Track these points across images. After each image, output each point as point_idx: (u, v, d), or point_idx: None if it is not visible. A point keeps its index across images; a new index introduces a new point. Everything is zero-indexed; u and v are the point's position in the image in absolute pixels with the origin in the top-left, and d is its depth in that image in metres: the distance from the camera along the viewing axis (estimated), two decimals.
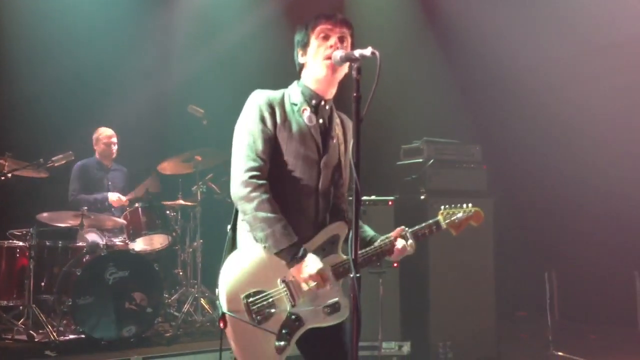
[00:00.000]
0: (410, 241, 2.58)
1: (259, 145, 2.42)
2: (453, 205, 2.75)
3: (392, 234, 2.60)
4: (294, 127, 2.48)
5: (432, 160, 5.17)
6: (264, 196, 2.37)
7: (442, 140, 5.36)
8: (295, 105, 2.53)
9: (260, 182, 2.39)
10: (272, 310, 2.36)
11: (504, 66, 6.51)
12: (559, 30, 6.24)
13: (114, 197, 5.85)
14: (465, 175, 5.26)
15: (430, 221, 2.68)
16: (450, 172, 5.24)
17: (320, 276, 2.33)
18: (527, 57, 6.45)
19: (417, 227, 2.64)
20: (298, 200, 2.47)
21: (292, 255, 2.35)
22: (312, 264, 2.34)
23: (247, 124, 2.45)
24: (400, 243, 2.57)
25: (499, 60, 6.52)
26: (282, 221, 2.37)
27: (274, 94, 2.53)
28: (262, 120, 2.44)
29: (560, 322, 6.27)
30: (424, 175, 5.14)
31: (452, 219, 2.70)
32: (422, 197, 5.06)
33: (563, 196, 6.36)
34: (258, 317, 2.35)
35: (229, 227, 2.54)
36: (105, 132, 6.06)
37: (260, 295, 2.37)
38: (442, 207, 2.73)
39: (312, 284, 2.33)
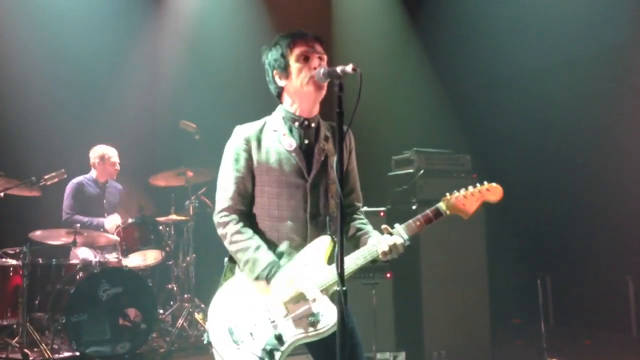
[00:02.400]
0: (401, 239, 2.44)
1: (231, 188, 2.54)
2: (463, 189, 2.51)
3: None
4: (274, 156, 2.53)
5: (422, 171, 5.20)
6: (232, 229, 2.51)
7: (432, 151, 5.39)
8: (276, 132, 2.57)
9: (228, 218, 2.53)
10: (254, 332, 2.44)
11: (493, 75, 6.57)
12: (548, 37, 6.29)
13: (109, 224, 5.75)
14: (455, 185, 5.12)
15: (428, 210, 2.50)
16: (440, 181, 5.26)
17: (291, 290, 2.39)
18: (516, 65, 6.50)
19: (411, 220, 2.48)
20: (288, 226, 2.52)
21: (265, 276, 2.44)
22: (278, 281, 2.41)
23: (223, 165, 2.59)
24: (384, 245, 2.44)
25: (488, 69, 6.57)
26: (252, 248, 2.47)
27: (253, 127, 2.60)
28: (237, 161, 2.55)
29: (555, 328, 6.28)
30: (415, 186, 5.17)
31: (456, 197, 2.49)
32: (414, 207, 5.09)
33: (555, 203, 6.39)
34: (240, 340, 2.44)
35: (226, 259, 2.62)
36: (111, 153, 6.02)
37: (243, 321, 2.46)
38: (447, 193, 2.54)
39: (287, 297, 2.40)
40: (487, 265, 5.20)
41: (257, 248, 2.47)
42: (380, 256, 2.45)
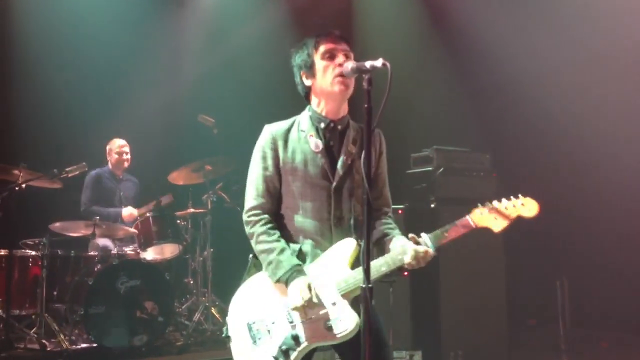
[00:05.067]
0: (428, 249, 2.37)
1: (260, 186, 2.55)
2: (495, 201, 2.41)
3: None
4: (299, 156, 2.52)
5: (441, 169, 5.17)
6: (260, 229, 2.51)
7: (451, 149, 5.36)
8: (303, 132, 2.56)
9: (257, 217, 2.53)
10: (272, 330, 2.43)
11: (514, 73, 6.49)
12: (570, 35, 6.21)
13: (126, 212, 5.85)
14: (475, 184, 5.25)
15: (457, 221, 2.42)
16: (460, 180, 5.23)
17: (302, 298, 2.35)
18: (537, 64, 6.43)
19: (438, 230, 2.41)
20: (312, 226, 2.50)
21: (286, 280, 2.42)
22: (295, 287, 2.38)
23: (252, 163, 2.59)
24: (409, 256, 2.37)
25: (509, 67, 6.50)
26: (276, 250, 2.46)
27: (281, 126, 2.59)
28: (264, 159, 2.55)
29: (571, 330, 6.23)
30: (434, 184, 5.14)
31: (489, 210, 2.40)
32: (432, 205, 5.06)
33: (574, 204, 6.32)
34: (258, 337, 2.44)
35: (250, 256, 2.61)
36: (117, 142, 6.10)
37: (262, 318, 2.46)
38: (479, 204, 2.42)
39: (298, 304, 2.36)
40: (504, 265, 5.16)
41: (282, 251, 2.46)
42: (406, 266, 2.39)
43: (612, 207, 6.03)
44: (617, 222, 6.02)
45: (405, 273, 4.97)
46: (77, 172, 5.24)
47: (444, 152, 5.28)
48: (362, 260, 2.11)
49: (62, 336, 4.93)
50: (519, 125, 6.58)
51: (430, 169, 5.24)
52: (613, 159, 6.02)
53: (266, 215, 2.54)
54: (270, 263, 2.46)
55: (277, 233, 2.51)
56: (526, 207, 2.41)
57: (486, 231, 2.44)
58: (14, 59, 6.33)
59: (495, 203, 2.43)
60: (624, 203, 5.95)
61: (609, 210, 6.05)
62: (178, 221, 5.97)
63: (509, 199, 2.43)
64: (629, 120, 5.94)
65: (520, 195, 2.43)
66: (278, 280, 2.44)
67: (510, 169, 5.88)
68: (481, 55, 6.70)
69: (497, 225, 2.41)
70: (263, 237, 2.50)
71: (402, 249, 2.40)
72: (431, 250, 2.38)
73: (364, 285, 2.09)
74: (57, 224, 5.30)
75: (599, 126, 6.06)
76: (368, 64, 2.21)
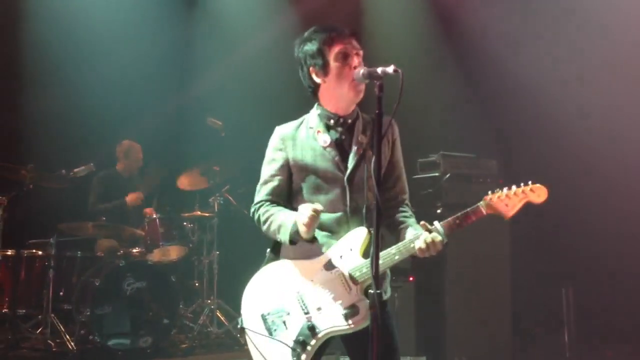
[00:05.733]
0: (439, 236, 2.38)
1: (268, 186, 2.60)
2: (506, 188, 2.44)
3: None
4: (310, 153, 2.54)
5: (448, 175, 5.17)
6: (264, 209, 2.57)
7: (458, 155, 5.36)
8: (311, 128, 2.58)
9: (260, 203, 2.59)
10: (287, 321, 2.44)
11: (522, 79, 6.48)
12: (580, 41, 6.20)
13: (129, 197, 5.90)
14: (481, 190, 5.13)
15: (469, 209, 2.43)
16: (466, 186, 5.24)
17: (311, 213, 2.34)
18: (546, 70, 6.41)
19: (450, 218, 2.42)
20: (329, 219, 2.50)
21: (296, 230, 2.41)
22: (302, 210, 2.38)
23: (264, 163, 2.64)
24: (421, 241, 2.37)
25: (517, 74, 6.49)
26: (278, 214, 2.51)
27: (290, 126, 2.62)
28: (273, 161, 2.59)
29: (577, 338, 6.20)
30: (440, 190, 5.14)
31: (498, 196, 2.41)
32: (439, 211, 5.06)
33: (582, 210, 6.29)
34: (273, 329, 2.44)
35: (268, 250, 2.64)
36: (136, 148, 6.17)
37: (277, 309, 2.47)
38: (489, 192, 2.46)
39: (307, 219, 2.35)
40: (510, 272, 5.16)
41: (283, 213, 2.50)
42: (417, 253, 2.39)
43: (621, 215, 6.00)
44: (626, 230, 5.99)
45: (411, 279, 4.97)
46: (84, 173, 5.28)
47: (451, 157, 5.29)
48: (371, 266, 2.10)
49: (68, 337, 4.95)
50: (526, 131, 6.56)
51: (437, 174, 5.24)
52: (624, 166, 5.99)
53: (267, 202, 2.58)
54: (279, 228, 2.47)
55: (280, 206, 2.56)
56: (535, 192, 2.42)
57: (497, 217, 2.46)
58: (24, 61, 6.37)
59: (505, 190, 2.45)
60: (634, 211, 5.92)
61: (618, 218, 6.03)
62: (184, 223, 5.98)
63: (518, 185, 2.45)
64: None
65: (530, 182, 2.45)
66: (292, 237, 2.42)
67: (517, 176, 5.81)
68: (489, 61, 6.69)
69: (507, 211, 2.43)
70: (267, 214, 2.54)
71: (414, 236, 2.42)
72: (442, 238, 2.38)
73: (372, 291, 2.09)
74: (65, 225, 5.33)
75: (608, 132, 6.04)
76: (380, 70, 2.22)
